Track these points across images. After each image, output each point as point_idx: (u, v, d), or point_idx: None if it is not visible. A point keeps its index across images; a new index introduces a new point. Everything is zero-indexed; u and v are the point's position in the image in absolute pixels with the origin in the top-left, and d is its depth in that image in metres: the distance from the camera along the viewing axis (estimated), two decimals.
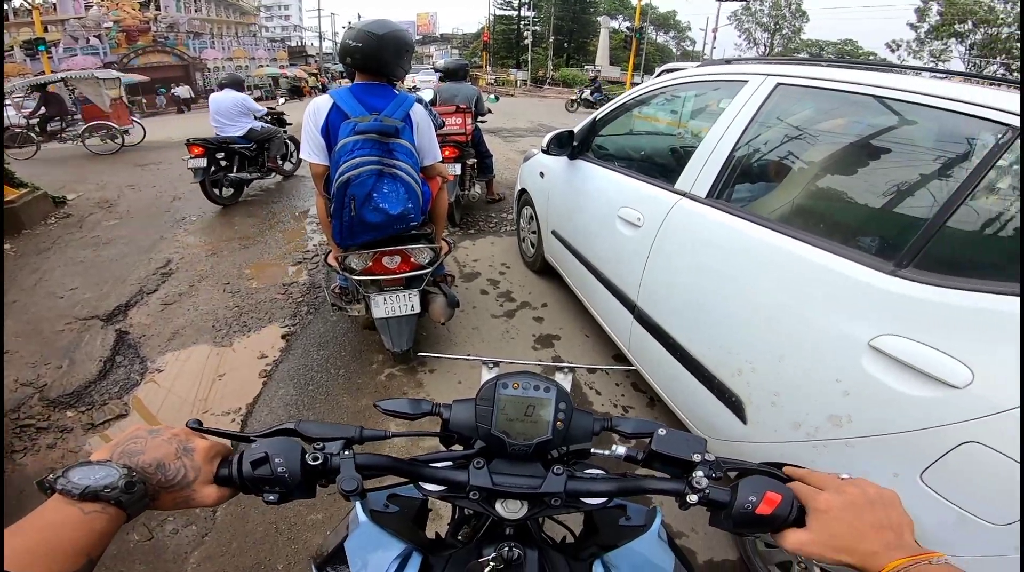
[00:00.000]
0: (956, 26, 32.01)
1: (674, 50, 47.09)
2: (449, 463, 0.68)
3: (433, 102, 4.76)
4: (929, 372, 1.10)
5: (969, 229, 1.24)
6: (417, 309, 2.49)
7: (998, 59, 29.98)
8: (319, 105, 2.15)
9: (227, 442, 0.62)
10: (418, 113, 2.24)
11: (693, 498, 0.62)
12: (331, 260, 2.44)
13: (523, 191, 3.73)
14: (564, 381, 0.84)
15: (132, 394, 2.57)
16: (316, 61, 44.55)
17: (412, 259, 2.41)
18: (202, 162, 5.18)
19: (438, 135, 4.21)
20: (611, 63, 32.63)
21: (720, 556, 1.77)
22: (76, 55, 24.16)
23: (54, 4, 26.34)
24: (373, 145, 2.05)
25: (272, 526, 1.82)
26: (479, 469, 0.64)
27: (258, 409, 2.43)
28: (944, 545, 1.10)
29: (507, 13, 42.28)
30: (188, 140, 5.23)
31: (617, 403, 2.51)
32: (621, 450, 0.67)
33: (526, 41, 35.60)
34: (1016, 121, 1.14)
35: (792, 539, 0.55)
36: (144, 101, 22.78)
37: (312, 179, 2.29)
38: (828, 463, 1.32)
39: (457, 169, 4.34)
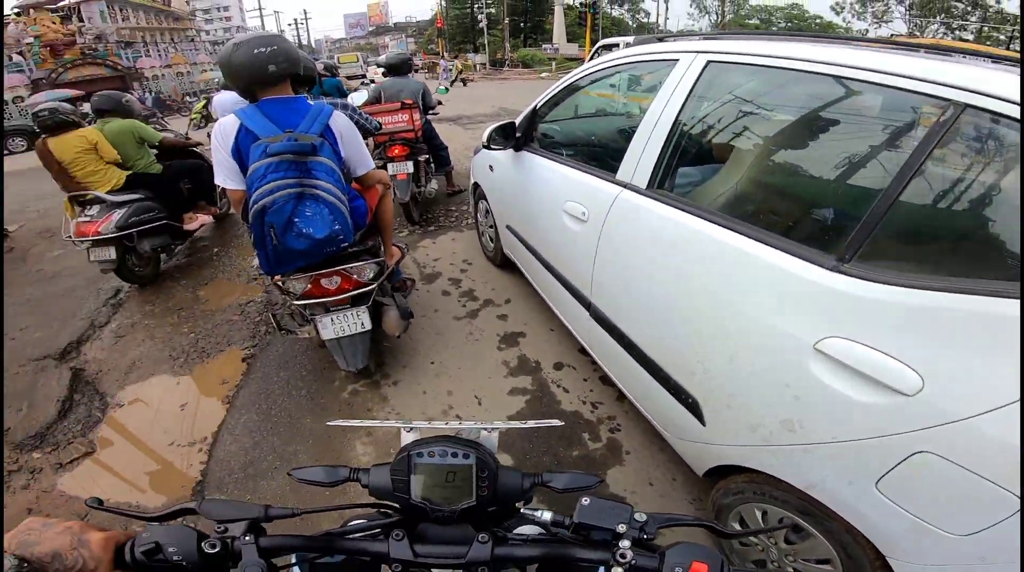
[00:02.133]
0: None
1: (630, 23, 46.44)
2: (369, 533, 0.66)
3: (377, 99, 4.61)
4: (878, 378, 1.05)
5: (911, 221, 1.17)
6: (367, 326, 2.40)
7: (937, 19, 29.42)
8: (225, 127, 1.90)
9: (126, 526, 0.61)
10: (339, 123, 2.02)
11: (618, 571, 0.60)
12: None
13: (476, 185, 3.63)
14: (489, 439, 0.80)
15: (96, 431, 2.51)
16: None
17: (354, 277, 2.30)
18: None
19: (382, 135, 4.12)
20: (568, 40, 32.25)
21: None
22: None
23: None
24: (288, 167, 1.83)
25: None
26: (399, 541, 0.62)
27: (222, 438, 2.37)
28: (907, 553, 1.07)
29: None
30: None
31: (586, 399, 2.49)
32: (547, 516, 0.66)
33: (481, 24, 35.37)
34: (960, 96, 1.03)
35: None
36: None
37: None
38: (788, 469, 1.28)
39: (410, 167, 4.24)
